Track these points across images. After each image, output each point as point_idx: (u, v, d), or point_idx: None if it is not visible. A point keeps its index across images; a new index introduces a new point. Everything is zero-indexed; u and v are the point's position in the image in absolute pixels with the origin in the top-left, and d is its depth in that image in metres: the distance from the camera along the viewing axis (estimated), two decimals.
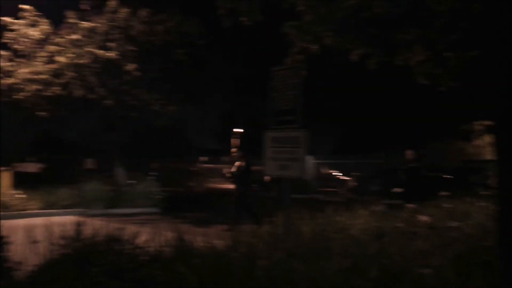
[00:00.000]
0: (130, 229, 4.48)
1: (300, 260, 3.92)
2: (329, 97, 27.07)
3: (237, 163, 11.02)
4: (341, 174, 23.59)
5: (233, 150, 11.72)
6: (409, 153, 12.57)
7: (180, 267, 3.49)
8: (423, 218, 5.76)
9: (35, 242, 3.93)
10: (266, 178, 10.86)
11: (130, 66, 14.02)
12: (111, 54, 13.85)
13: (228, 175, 11.55)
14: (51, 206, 12.83)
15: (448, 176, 16.85)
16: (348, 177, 21.67)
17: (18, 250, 3.93)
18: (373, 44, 6.36)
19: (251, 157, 11.38)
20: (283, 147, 5.53)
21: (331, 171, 24.72)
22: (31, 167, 19.04)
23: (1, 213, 11.18)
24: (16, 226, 4.56)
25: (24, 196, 12.76)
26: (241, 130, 45.88)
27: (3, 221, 4.06)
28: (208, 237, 4.60)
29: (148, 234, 4.44)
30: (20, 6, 14.46)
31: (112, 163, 17.37)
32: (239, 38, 17.05)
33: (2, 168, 13.57)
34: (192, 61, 15.37)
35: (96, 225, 4.38)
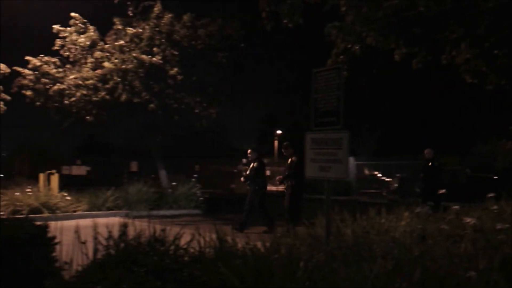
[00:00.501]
0: (173, 230, 4.56)
1: (342, 263, 3.88)
2: (371, 97, 26.72)
3: (252, 165, 10.92)
4: (383, 175, 23.21)
5: (248, 151, 11.43)
6: (427, 152, 12.35)
7: (222, 268, 3.52)
8: (469, 220, 5.59)
9: (82, 243, 4.05)
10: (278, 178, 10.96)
11: (173, 70, 14.28)
12: (155, 59, 14.15)
13: (242, 178, 11.35)
14: (97, 208, 13.16)
15: (495, 177, 16.33)
16: (391, 178, 21.31)
17: (66, 250, 4.05)
18: (417, 43, 6.24)
19: (263, 159, 11.36)
20: (324, 148, 5.50)
21: (373, 173, 24.42)
22: (78, 170, 19.60)
23: (50, 214, 11.62)
24: (64, 227, 4.68)
25: (71, 198, 13.13)
26: (280, 132, 45.90)
27: (52, 222, 4.21)
28: (249, 238, 4.62)
29: (190, 236, 4.50)
30: (70, 14, 14.98)
31: (155, 166, 17.74)
32: (281, 40, 17.08)
33: (51, 171, 14.06)
34: (233, 63, 15.54)
35: (140, 227, 4.48)
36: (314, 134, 5.69)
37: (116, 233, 4.22)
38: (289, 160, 10.54)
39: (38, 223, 4.01)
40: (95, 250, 4.00)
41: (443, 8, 6.13)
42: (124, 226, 4.31)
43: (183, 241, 4.35)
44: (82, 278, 3.35)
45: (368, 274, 3.50)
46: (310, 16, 6.69)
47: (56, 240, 3.98)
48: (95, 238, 4.11)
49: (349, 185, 21.72)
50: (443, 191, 8.66)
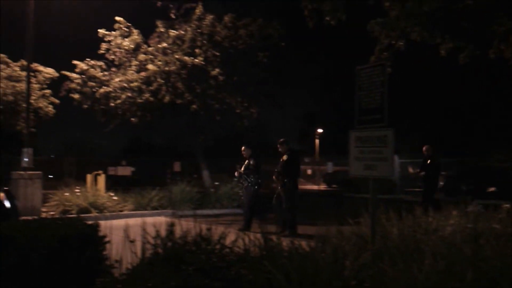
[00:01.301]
0: (218, 229, 4.60)
1: (389, 262, 3.82)
2: (416, 94, 26.16)
3: (246, 162, 10.71)
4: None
5: (242, 148, 11.15)
6: (426, 149, 11.88)
7: (268, 267, 3.53)
8: None
9: (131, 241, 4.14)
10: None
11: (215, 71, 14.41)
12: (197, 60, 14.33)
13: (236, 174, 11.13)
14: (142, 207, 13.42)
15: None
16: None
17: (115, 249, 4.14)
18: (464, 37, 6.05)
19: (259, 156, 10.92)
20: (369, 146, 5.42)
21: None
22: (123, 171, 20.07)
23: (98, 214, 11.93)
24: (112, 226, 4.80)
25: (117, 198, 13.44)
26: (321, 130, 45.55)
27: (100, 222, 4.33)
28: (293, 237, 4.61)
29: (234, 235, 4.53)
30: (115, 18, 15.38)
31: (197, 166, 17.97)
32: (322, 38, 16.98)
33: (97, 172, 14.45)
34: (274, 63, 15.55)
35: (185, 226, 4.55)
36: (358, 132, 5.62)
37: (162, 232, 4.29)
38: (282, 158, 10.31)
39: (90, 222, 4.13)
40: (143, 249, 4.09)
41: (491, 0, 5.92)
42: (171, 225, 4.38)
43: (227, 240, 4.38)
44: (132, 276, 3.42)
45: (417, 274, 3.43)
46: (353, 13, 6.61)
47: (106, 239, 4.08)
48: (143, 237, 4.20)
49: (393, 184, 21.31)
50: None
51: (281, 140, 10.33)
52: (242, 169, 10.64)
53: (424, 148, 11.99)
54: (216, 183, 15.78)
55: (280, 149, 10.38)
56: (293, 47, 15.81)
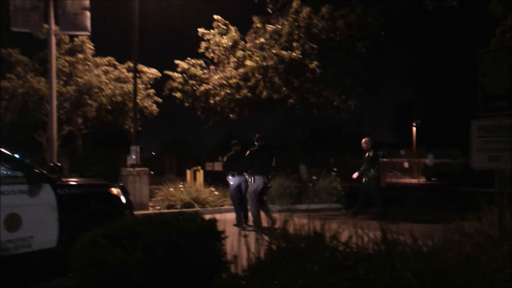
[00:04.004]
0: (327, 225, 4.44)
1: None
2: None
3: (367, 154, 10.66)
4: None
5: (233, 142, 10.76)
6: (365, 141, 11.17)
7: (398, 266, 3.32)
8: None
9: (244, 236, 4.11)
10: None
11: (313, 64, 14.21)
12: (294, 54, 14.22)
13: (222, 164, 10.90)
14: None
15: None
16: None
17: (228, 244, 4.13)
18: None
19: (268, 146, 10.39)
20: (495, 136, 4.97)
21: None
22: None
23: (201, 208, 12.22)
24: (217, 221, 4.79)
25: (218, 193, 13.71)
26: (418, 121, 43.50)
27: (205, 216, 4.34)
28: (404, 233, 4.32)
29: (344, 230, 4.35)
30: (213, 17, 15.73)
31: (295, 160, 17.89)
32: (421, 25, 16.12)
33: (196, 168, 14.83)
34: (373, 53, 15.03)
35: (294, 221, 4.44)
36: (482, 121, 5.18)
37: (274, 226, 4.22)
38: (367, 154, 10.85)
39: (208, 217, 4.17)
40: (258, 245, 4.04)
41: None
42: (285, 221, 4.30)
43: (343, 237, 4.22)
44: (254, 273, 3.38)
45: None
46: None
47: (224, 234, 4.08)
48: (256, 232, 4.15)
49: None
50: None
51: (366, 138, 10.97)
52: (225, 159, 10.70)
53: (362, 141, 11.39)
54: (314, 177, 15.59)
55: (364, 146, 10.89)
56: (392, 36, 15.09)
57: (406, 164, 39.69)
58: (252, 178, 9.74)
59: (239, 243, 4.10)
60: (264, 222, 9.37)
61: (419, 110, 47.23)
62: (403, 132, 48.15)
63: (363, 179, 11.06)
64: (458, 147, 28.44)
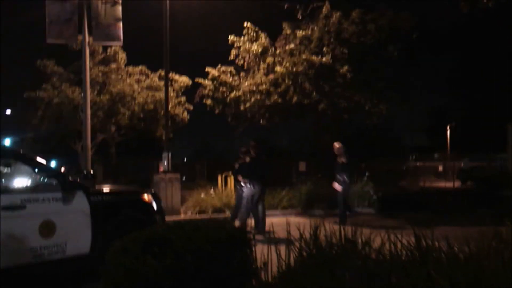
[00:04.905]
0: (357, 231, 4.35)
1: None
2: None
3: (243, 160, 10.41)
4: None
5: (241, 149, 10.65)
6: (337, 148, 11.20)
7: (429, 272, 3.22)
8: None
9: (275, 243, 4.07)
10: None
11: (343, 69, 14.11)
12: (324, 59, 14.15)
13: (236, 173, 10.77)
14: (273, 207, 13.53)
15: None
16: None
17: (258, 250, 4.10)
18: None
19: (261, 152, 10.38)
20: None
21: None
22: None
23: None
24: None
25: None
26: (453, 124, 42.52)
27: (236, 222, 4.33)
28: (438, 239, 4.20)
29: (378, 236, 4.25)
30: (243, 24, 15.81)
31: (324, 166, 17.74)
32: (455, 29, 15.80)
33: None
34: (404, 57, 14.82)
35: (323, 227, 4.38)
36: None
37: (305, 233, 4.16)
38: (340, 160, 11.07)
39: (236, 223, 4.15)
40: (288, 251, 3.99)
41: None
42: (315, 227, 4.24)
43: (376, 243, 4.13)
44: (285, 281, 3.34)
45: None
46: None
47: (253, 242, 4.05)
48: (287, 239, 4.11)
49: None
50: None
51: (338, 145, 11.28)
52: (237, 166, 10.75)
53: (334, 145, 11.47)
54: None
55: (336, 153, 11.23)
56: (425, 39, 14.81)
57: (440, 168, 38.89)
58: (252, 185, 9.88)
59: (269, 250, 4.07)
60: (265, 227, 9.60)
61: (453, 113, 46.26)
62: (437, 136, 47.25)
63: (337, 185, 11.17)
64: (494, 150, 27.69)
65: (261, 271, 3.93)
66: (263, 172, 10.08)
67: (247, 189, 9.93)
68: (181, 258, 3.45)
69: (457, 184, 30.40)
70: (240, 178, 10.34)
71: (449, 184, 29.00)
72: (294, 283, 3.21)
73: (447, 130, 43.23)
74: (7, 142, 24.72)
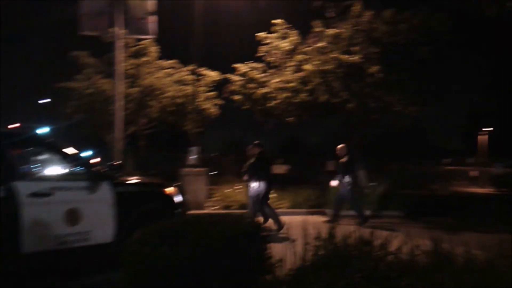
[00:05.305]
0: (378, 233, 4.34)
1: None
2: None
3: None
4: None
5: (249, 147, 10.90)
6: (340, 148, 11.43)
7: (443, 278, 3.19)
8: None
9: (292, 241, 4.10)
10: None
11: (373, 68, 13.95)
12: (354, 58, 14.02)
13: (243, 173, 10.74)
14: (298, 206, 13.52)
15: None
16: None
17: (276, 247, 4.14)
18: None
19: (268, 152, 10.54)
20: None
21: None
22: (279, 169, 20.48)
23: None
24: (270, 224, 4.78)
25: (274, 195, 13.74)
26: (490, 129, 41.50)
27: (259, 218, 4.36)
28: (464, 245, 4.14)
29: (398, 239, 4.22)
30: (273, 21, 15.80)
31: (354, 166, 17.58)
32: (491, 29, 15.36)
33: None
34: (437, 58, 14.53)
35: (345, 227, 4.37)
36: None
37: (319, 231, 4.18)
38: (341, 160, 11.30)
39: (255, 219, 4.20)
40: (305, 249, 4.01)
41: None
42: (332, 227, 4.26)
43: (393, 246, 4.10)
44: (295, 278, 3.37)
45: None
46: None
47: (269, 238, 4.10)
48: (304, 237, 4.13)
49: None
50: None
51: (341, 145, 11.53)
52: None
53: (337, 148, 11.68)
54: (372, 183, 15.24)
55: (338, 153, 11.60)
56: (459, 40, 14.44)
57: (474, 173, 38.01)
58: (259, 183, 10.01)
59: (285, 248, 4.10)
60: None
61: (490, 117, 45.18)
62: (472, 140, 46.28)
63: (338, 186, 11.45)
64: None
65: (277, 268, 3.97)
66: (268, 172, 10.26)
67: (253, 188, 10.08)
68: (195, 250, 3.52)
69: (491, 189, 29.69)
70: (245, 177, 10.52)
71: (482, 190, 28.34)
72: (306, 281, 3.24)
73: (482, 134, 42.28)
74: (42, 131, 25.37)
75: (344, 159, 11.32)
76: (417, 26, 13.94)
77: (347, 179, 11.13)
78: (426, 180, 24.16)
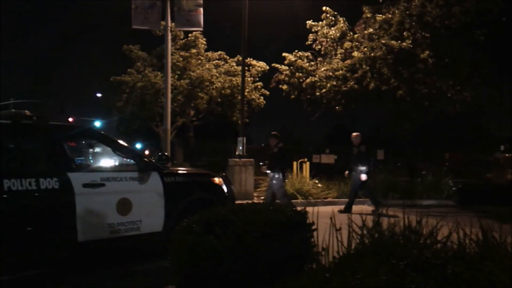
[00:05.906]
0: (427, 222, 4.25)
1: None
2: None
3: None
4: None
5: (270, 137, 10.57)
6: (355, 136, 11.03)
7: (490, 267, 3.09)
8: None
9: (337, 230, 4.07)
10: None
11: (424, 54, 13.55)
12: (405, 44, 13.67)
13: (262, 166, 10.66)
14: (346, 195, 13.37)
15: None
16: None
17: (322, 236, 4.13)
18: None
19: (285, 144, 10.41)
20: None
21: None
22: (327, 159, 20.33)
23: (303, 200, 12.31)
24: (317, 213, 4.76)
25: (322, 185, 13.66)
26: None
27: (307, 208, 4.37)
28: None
29: (447, 228, 4.12)
30: (322, 8, 15.64)
31: (403, 154, 17.24)
32: None
33: (302, 160, 14.86)
34: (492, 41, 13.91)
35: (392, 216, 4.31)
36: None
37: (368, 221, 4.14)
38: (357, 149, 11.02)
39: (299, 208, 4.22)
40: (350, 238, 3.99)
41: None
42: (378, 216, 4.21)
43: (441, 235, 4.02)
44: (340, 266, 3.36)
45: None
46: None
47: (314, 227, 4.10)
48: (349, 226, 4.11)
49: None
50: None
51: (356, 133, 11.21)
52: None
53: (352, 135, 11.31)
54: (423, 172, 14.89)
55: (354, 142, 11.14)
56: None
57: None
58: (281, 174, 10.13)
59: (330, 235, 4.09)
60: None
61: None
62: None
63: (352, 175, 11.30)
64: None
65: (321, 256, 3.98)
66: (287, 162, 10.54)
67: (276, 180, 10.17)
68: (241, 238, 3.57)
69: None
70: (263, 169, 10.62)
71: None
72: (349, 269, 3.22)
73: None
74: (96, 124, 26.34)
75: (361, 148, 11.12)
76: (471, 8, 13.37)
77: (366, 168, 10.92)
78: (480, 168, 23.35)
